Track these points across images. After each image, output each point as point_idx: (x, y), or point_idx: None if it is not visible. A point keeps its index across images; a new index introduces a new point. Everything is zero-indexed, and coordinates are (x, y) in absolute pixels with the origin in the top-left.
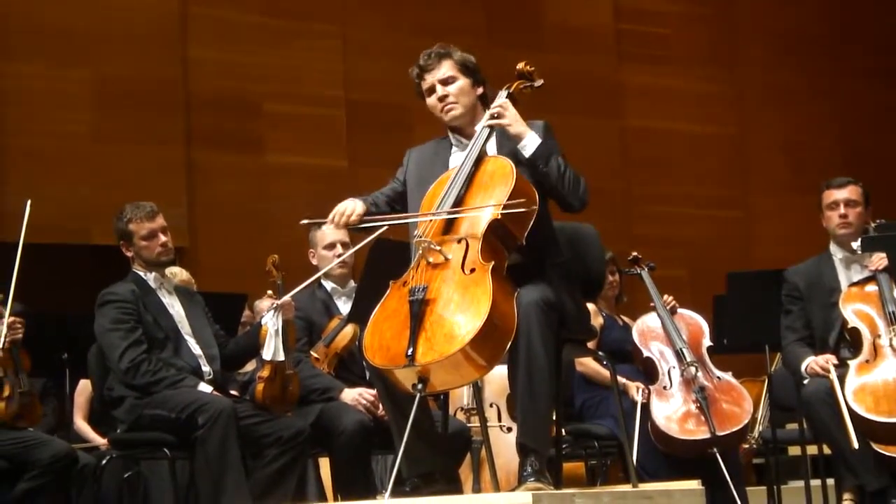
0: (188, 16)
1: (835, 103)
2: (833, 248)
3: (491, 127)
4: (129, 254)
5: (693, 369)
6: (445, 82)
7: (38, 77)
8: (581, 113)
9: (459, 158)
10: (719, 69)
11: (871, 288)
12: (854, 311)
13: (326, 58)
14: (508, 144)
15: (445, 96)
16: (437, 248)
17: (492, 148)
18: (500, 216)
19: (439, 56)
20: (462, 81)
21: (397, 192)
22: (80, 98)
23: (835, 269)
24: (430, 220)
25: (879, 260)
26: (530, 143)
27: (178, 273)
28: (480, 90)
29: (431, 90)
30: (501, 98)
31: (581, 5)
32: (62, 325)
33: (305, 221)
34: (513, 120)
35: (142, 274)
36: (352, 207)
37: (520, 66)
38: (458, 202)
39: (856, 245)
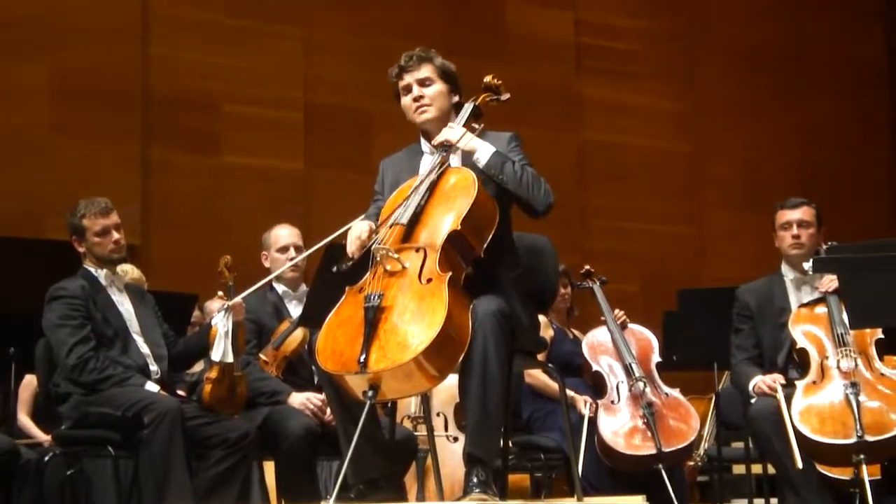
0: (149, 12)
1: (791, 123)
2: (785, 268)
3: (443, 146)
4: (80, 249)
5: (641, 384)
6: (423, 83)
7: None
8: (539, 125)
9: (429, 162)
10: (677, 85)
11: (821, 309)
12: (803, 331)
13: (287, 59)
14: (467, 159)
15: (421, 97)
16: (396, 256)
17: (456, 160)
18: (459, 228)
19: (420, 59)
20: (440, 85)
21: (380, 208)
22: (38, 90)
23: (785, 290)
24: (390, 228)
25: (830, 282)
26: (483, 154)
27: (129, 271)
28: (456, 98)
29: (408, 89)
30: (467, 111)
31: (542, 17)
32: (8, 319)
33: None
34: (460, 136)
35: (92, 270)
36: (360, 228)
37: (487, 79)
38: (419, 211)
39: (807, 266)
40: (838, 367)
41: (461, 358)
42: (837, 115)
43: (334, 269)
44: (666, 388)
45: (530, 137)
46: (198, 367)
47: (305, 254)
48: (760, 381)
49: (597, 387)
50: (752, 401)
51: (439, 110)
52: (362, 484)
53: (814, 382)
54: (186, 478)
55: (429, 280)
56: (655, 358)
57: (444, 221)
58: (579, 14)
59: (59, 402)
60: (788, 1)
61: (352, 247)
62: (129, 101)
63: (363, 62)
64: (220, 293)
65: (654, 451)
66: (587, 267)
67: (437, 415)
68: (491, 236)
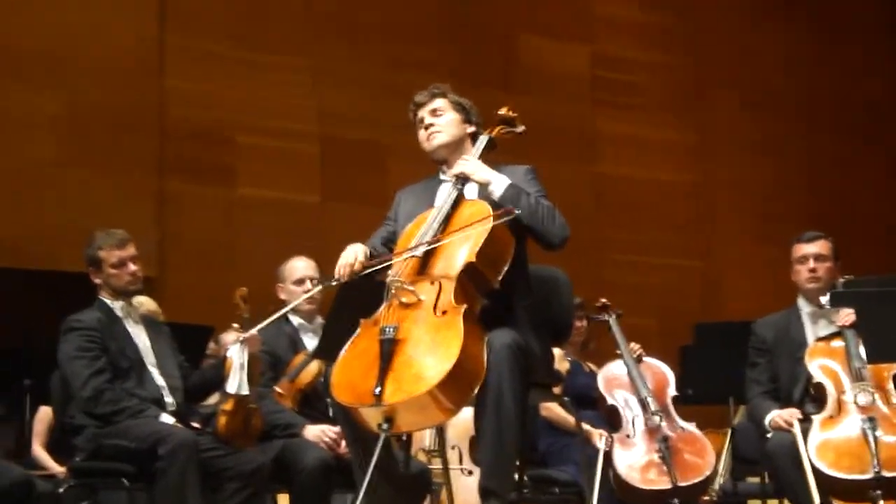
0: (165, 44)
1: (802, 156)
2: (801, 301)
3: (458, 179)
4: (97, 281)
5: (657, 418)
6: (434, 113)
7: (11, 98)
8: (554, 158)
9: (447, 189)
10: (690, 118)
11: (838, 343)
12: (820, 366)
13: (300, 91)
14: (482, 191)
15: (431, 125)
16: (411, 288)
17: (472, 192)
18: (474, 260)
19: (433, 94)
20: (452, 115)
21: (391, 232)
22: (54, 121)
23: (802, 323)
24: (405, 260)
25: (847, 316)
26: (498, 186)
27: (144, 302)
28: (472, 129)
29: (422, 122)
30: (482, 143)
31: (557, 50)
32: (25, 351)
33: (319, 280)
34: (475, 169)
35: (108, 302)
36: (353, 256)
37: (503, 111)
38: (434, 243)
39: (824, 300)
40: (855, 402)
41: (476, 390)
42: (848, 149)
43: (320, 282)
44: (682, 422)
45: (545, 170)
46: (213, 399)
47: (321, 286)
48: (777, 416)
49: (612, 420)
50: (769, 435)
51: (450, 136)
52: None
53: (830, 417)
54: None
55: (444, 312)
56: (671, 392)
57: (460, 253)
58: (596, 47)
59: (74, 433)
60: (799, 36)
61: (340, 270)
62: (145, 133)
63: (374, 93)
64: (236, 325)
65: (669, 486)
66: (603, 300)
67: (452, 448)
68: (507, 268)
